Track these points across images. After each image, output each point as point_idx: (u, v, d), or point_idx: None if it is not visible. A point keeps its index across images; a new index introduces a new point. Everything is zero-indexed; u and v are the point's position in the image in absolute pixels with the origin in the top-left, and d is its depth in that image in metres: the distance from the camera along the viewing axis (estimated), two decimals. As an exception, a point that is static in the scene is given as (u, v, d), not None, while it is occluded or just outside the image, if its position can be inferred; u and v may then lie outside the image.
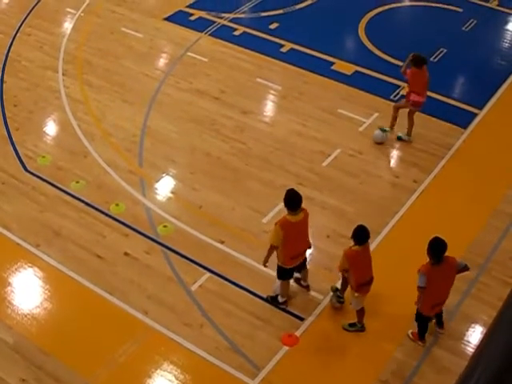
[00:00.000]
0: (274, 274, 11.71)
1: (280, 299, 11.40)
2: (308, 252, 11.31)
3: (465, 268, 10.42)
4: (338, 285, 11.28)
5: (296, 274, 11.46)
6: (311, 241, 11.20)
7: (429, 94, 15.93)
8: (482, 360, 7.57)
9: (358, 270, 10.46)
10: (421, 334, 10.82)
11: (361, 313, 10.89)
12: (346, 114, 15.46)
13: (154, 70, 16.89)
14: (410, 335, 10.94)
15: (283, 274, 11.14)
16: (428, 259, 10.12)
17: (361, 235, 10.32)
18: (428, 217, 12.80)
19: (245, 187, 13.59)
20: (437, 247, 10.02)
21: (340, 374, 10.48)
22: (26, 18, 18.73)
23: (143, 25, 18.60)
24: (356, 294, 10.61)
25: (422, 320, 10.67)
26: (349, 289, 10.85)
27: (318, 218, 12.56)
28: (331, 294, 11.37)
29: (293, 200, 10.59)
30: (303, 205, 10.67)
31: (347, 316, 11.10)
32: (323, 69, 16.94)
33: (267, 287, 11.62)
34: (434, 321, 10.96)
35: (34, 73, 16.65)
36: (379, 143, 14.57)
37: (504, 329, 7.52)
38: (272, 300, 11.46)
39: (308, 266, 11.45)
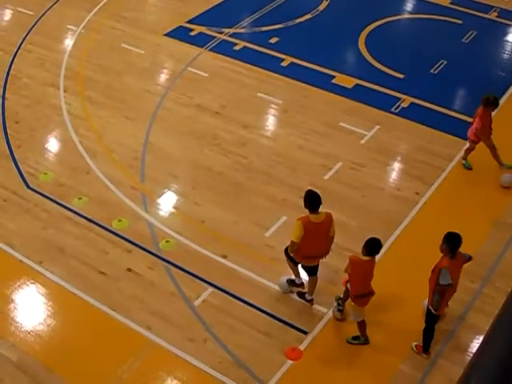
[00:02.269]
0: (278, 288, 11.74)
1: (297, 281, 11.55)
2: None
3: (469, 259, 10.63)
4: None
5: (302, 287, 11.55)
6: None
7: (430, 105, 16.08)
8: (477, 368, 7.55)
9: (358, 279, 10.49)
10: (425, 346, 10.79)
11: (362, 325, 10.86)
12: (347, 127, 15.48)
13: (155, 86, 16.93)
14: (415, 348, 10.90)
15: (291, 258, 11.24)
16: (443, 255, 10.25)
17: (372, 246, 10.38)
18: (431, 228, 12.77)
19: (247, 201, 13.59)
20: (455, 240, 10.19)
21: (345, 388, 10.48)
22: (26, 35, 18.79)
23: (144, 41, 18.66)
24: (352, 304, 10.62)
25: (434, 321, 10.66)
26: (348, 300, 10.86)
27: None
28: (335, 304, 11.37)
29: (311, 199, 10.72)
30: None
31: (351, 329, 11.07)
32: (324, 82, 16.97)
33: (270, 301, 11.62)
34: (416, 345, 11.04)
35: (36, 90, 16.69)
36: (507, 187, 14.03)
37: (499, 337, 7.52)
38: (291, 282, 11.61)
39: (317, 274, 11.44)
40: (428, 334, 10.73)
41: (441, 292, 10.21)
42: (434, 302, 10.30)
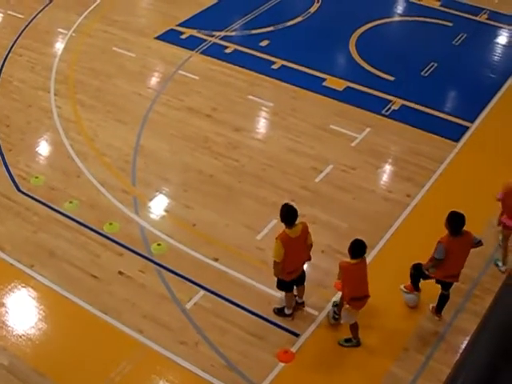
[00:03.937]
0: (270, 290, 11.74)
1: (286, 311, 11.43)
2: (305, 266, 11.28)
3: (479, 243, 10.75)
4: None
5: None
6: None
7: (421, 108, 16.10)
8: (464, 368, 7.60)
9: (350, 283, 10.47)
10: (415, 284, 11.33)
11: (354, 328, 10.86)
12: (338, 130, 15.49)
13: (145, 89, 16.92)
14: (404, 289, 11.42)
15: (283, 286, 11.15)
16: (446, 232, 10.56)
17: (356, 249, 10.33)
18: (422, 230, 12.81)
19: (238, 204, 13.60)
20: (454, 220, 10.48)
21: (336, 390, 10.48)
22: (17, 39, 18.76)
23: (134, 44, 18.65)
24: (346, 306, 10.61)
25: (420, 276, 11.16)
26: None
27: (312, 234, 12.52)
28: (331, 308, 11.36)
29: (288, 215, 10.58)
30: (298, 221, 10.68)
31: (343, 331, 11.08)
32: (315, 85, 16.99)
33: (262, 304, 11.61)
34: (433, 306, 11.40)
35: (26, 93, 16.67)
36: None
37: (485, 338, 7.57)
38: (278, 311, 11.48)
39: (304, 283, 11.43)
40: (414, 279, 11.32)
41: (435, 265, 10.71)
42: (428, 267, 10.88)
